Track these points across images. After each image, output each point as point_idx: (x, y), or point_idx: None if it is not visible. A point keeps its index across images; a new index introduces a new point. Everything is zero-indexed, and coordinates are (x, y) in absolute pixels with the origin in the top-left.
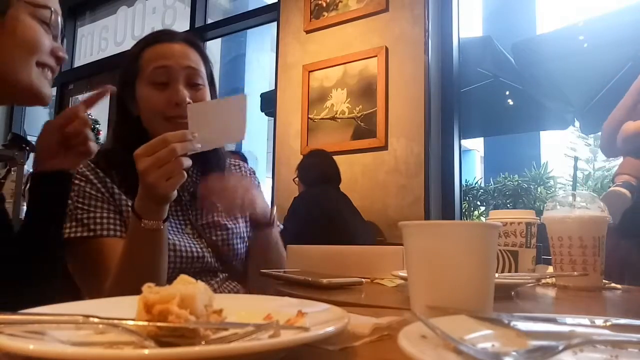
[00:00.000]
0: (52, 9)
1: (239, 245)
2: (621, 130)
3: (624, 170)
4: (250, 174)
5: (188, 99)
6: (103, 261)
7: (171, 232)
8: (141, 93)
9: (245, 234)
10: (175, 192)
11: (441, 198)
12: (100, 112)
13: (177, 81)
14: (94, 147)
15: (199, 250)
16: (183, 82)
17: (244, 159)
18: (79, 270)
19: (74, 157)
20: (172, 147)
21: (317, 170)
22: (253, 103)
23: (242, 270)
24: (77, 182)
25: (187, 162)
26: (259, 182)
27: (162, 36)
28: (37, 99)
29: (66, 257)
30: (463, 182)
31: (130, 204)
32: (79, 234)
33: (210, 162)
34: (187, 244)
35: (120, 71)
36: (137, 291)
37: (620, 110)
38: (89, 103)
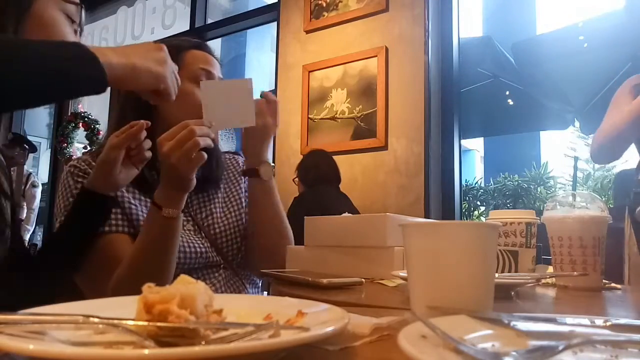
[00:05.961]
0: (79, 2)
1: (238, 239)
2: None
3: None
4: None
5: None
6: (106, 257)
7: None
8: (181, 86)
9: (243, 227)
10: (194, 182)
11: (441, 198)
12: (101, 112)
13: None
14: (148, 154)
15: (200, 245)
16: None
17: None
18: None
19: (126, 172)
20: (191, 128)
21: (317, 170)
22: None
23: (244, 263)
24: (79, 179)
25: (206, 142)
26: None
27: (204, 46)
28: None
29: None
30: (463, 182)
31: (131, 200)
32: None
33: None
34: (189, 240)
35: None
36: (149, 281)
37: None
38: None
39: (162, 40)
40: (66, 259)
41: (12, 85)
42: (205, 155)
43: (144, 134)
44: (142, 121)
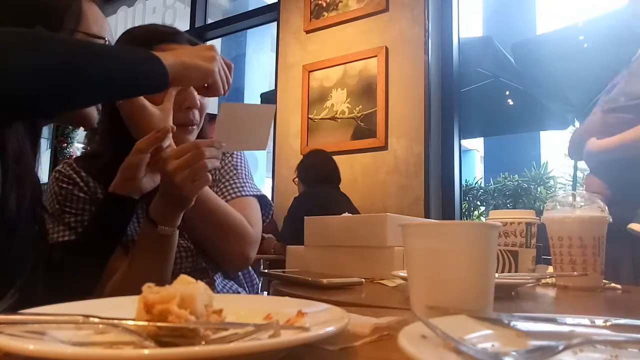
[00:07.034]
0: (107, 39)
1: None
2: (586, 145)
3: (588, 189)
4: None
5: (199, 102)
6: None
7: None
8: None
9: None
10: (194, 201)
11: (441, 198)
12: None
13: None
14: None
15: (186, 248)
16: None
17: None
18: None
19: (151, 177)
20: (201, 150)
21: (317, 170)
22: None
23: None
24: (63, 185)
25: (214, 164)
26: (242, 154)
27: (168, 35)
28: (85, 122)
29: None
30: (463, 182)
31: None
32: (66, 238)
33: None
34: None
35: None
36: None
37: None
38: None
39: (144, 27)
40: (89, 266)
41: (97, 82)
42: (210, 178)
43: (169, 140)
44: (168, 126)
